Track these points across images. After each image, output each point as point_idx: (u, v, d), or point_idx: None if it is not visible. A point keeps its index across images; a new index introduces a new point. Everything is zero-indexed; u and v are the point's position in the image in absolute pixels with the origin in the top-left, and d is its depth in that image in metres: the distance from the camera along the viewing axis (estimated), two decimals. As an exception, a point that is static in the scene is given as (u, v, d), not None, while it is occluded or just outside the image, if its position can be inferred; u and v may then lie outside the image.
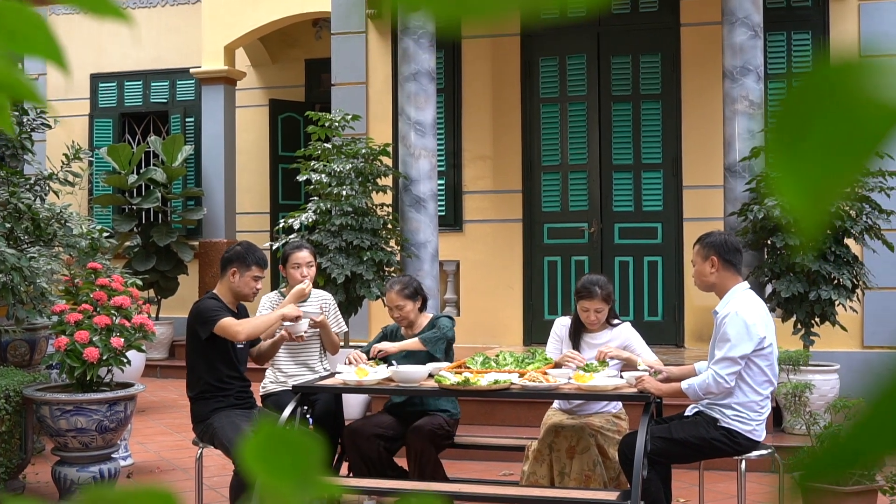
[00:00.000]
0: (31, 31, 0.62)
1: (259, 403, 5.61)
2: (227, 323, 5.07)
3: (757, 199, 7.47)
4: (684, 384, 4.62)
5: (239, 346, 5.30)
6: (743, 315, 4.57)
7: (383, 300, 8.00)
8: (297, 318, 5.34)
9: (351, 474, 5.44)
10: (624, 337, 5.28)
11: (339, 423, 5.64)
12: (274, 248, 8.25)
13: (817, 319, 7.29)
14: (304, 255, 5.86)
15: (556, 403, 5.53)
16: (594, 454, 5.08)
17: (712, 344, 4.79)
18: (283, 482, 0.54)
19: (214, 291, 5.34)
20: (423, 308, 5.68)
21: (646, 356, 5.19)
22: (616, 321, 5.36)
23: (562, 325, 5.47)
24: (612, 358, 5.09)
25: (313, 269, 5.90)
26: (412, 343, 5.43)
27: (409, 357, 5.45)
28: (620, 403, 5.34)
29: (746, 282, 4.88)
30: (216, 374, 5.20)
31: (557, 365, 5.16)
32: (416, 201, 8.36)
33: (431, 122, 8.44)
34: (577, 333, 5.36)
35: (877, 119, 0.48)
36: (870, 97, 0.48)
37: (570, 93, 9.67)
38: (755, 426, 4.68)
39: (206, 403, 5.22)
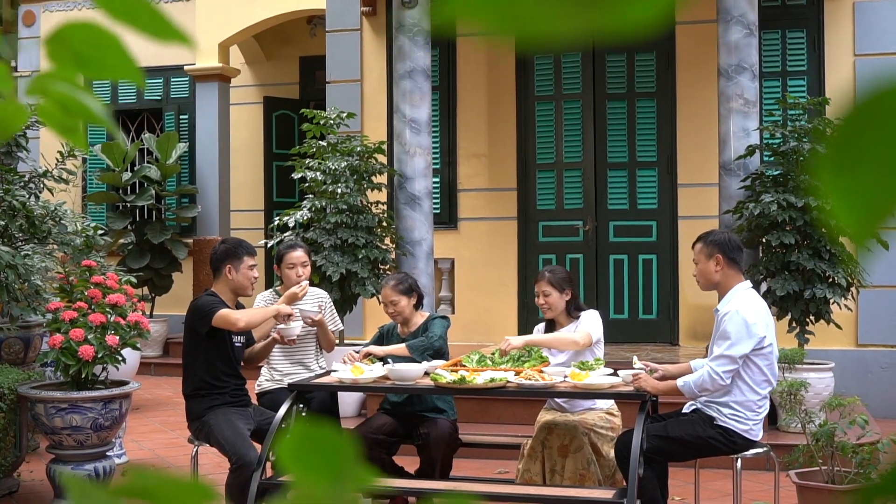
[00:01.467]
0: (102, 53, 0.62)
1: (254, 402, 5.61)
2: (226, 313, 5.07)
3: (752, 196, 7.47)
4: (680, 381, 4.62)
5: (237, 343, 5.30)
6: (744, 313, 4.58)
7: (378, 298, 8.00)
8: (289, 317, 5.33)
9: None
10: (578, 324, 5.31)
11: (334, 422, 5.64)
12: (269, 245, 8.24)
13: (812, 318, 7.30)
14: (299, 254, 5.84)
15: (547, 401, 5.54)
16: (588, 453, 5.08)
17: (712, 342, 4.79)
18: (318, 480, 0.54)
19: (212, 289, 5.33)
20: (418, 306, 5.68)
21: (582, 327, 5.20)
22: (580, 313, 5.37)
23: (537, 329, 5.54)
24: (516, 348, 5.14)
25: (308, 268, 5.88)
26: (399, 348, 5.45)
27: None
28: (613, 399, 5.34)
29: (748, 281, 4.89)
30: (213, 371, 5.19)
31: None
32: (411, 199, 8.35)
33: (426, 120, 8.44)
34: (550, 331, 5.41)
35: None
36: None
37: (564, 91, 9.66)
38: (752, 426, 4.68)
39: (201, 401, 5.21)
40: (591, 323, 5.26)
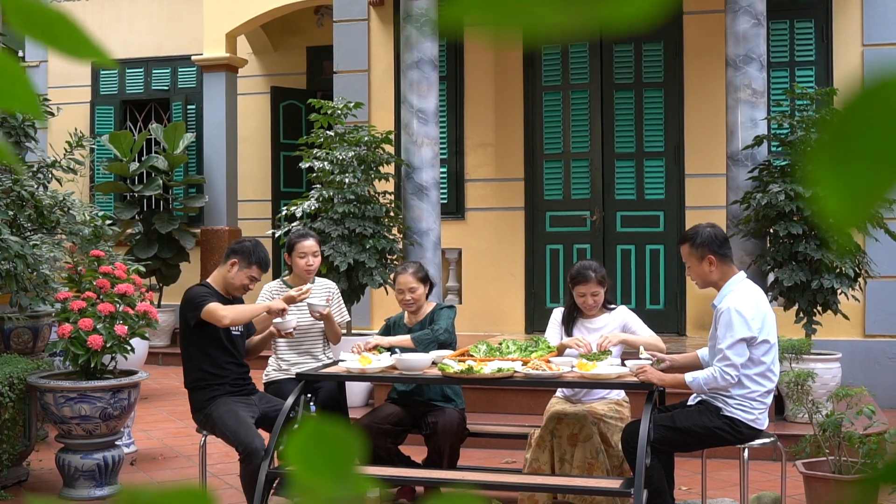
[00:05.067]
0: (7, 84, 0.62)
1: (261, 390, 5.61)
2: (213, 307, 5.07)
3: (759, 187, 7.47)
4: (688, 377, 4.62)
5: (234, 332, 5.30)
6: (741, 310, 4.58)
7: (386, 288, 8.01)
8: (283, 312, 5.32)
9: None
10: (621, 319, 5.31)
11: (342, 411, 5.66)
12: (276, 235, 8.25)
13: (819, 308, 7.30)
14: (311, 244, 5.85)
15: (558, 391, 5.54)
16: (597, 442, 5.09)
17: (712, 335, 4.80)
18: (320, 478, 0.54)
19: (208, 280, 5.37)
20: (429, 295, 5.72)
21: (644, 336, 5.21)
22: (612, 305, 5.39)
23: (560, 313, 5.51)
24: (615, 345, 5.11)
25: (318, 257, 5.89)
26: (404, 340, 5.46)
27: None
28: (623, 390, 5.35)
29: (743, 272, 4.88)
30: (210, 360, 5.21)
31: (559, 350, 5.17)
32: (419, 189, 8.36)
33: (434, 110, 8.43)
34: (572, 320, 5.39)
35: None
36: None
37: (572, 81, 9.65)
38: (758, 415, 4.69)
39: (202, 392, 5.22)
40: (638, 321, 5.32)
